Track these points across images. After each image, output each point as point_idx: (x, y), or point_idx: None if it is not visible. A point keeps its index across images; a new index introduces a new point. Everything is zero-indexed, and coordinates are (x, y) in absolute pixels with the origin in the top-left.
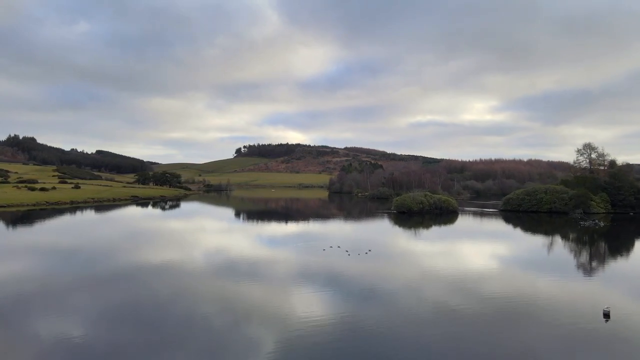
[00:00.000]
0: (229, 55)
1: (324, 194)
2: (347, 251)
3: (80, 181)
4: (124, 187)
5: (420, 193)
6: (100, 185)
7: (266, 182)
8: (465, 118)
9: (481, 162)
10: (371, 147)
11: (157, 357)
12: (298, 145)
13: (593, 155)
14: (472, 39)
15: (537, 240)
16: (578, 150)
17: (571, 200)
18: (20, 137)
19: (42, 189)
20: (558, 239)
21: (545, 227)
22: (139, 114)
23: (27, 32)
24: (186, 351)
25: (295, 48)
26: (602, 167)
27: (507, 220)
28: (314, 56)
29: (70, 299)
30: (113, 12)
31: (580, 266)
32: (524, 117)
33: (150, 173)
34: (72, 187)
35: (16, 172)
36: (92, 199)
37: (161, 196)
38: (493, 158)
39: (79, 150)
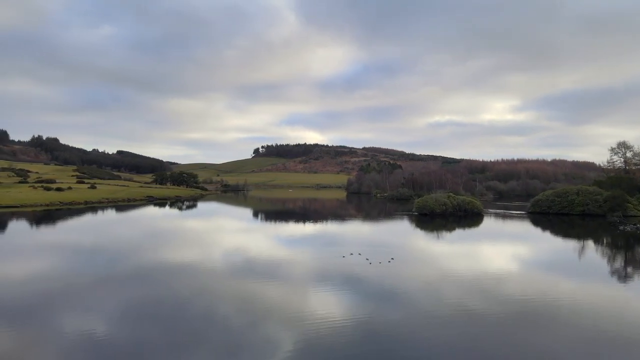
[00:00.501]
0: (247, 57)
1: (341, 194)
2: (367, 259)
3: (98, 181)
4: (141, 187)
5: (443, 194)
6: (117, 185)
7: (284, 182)
8: (484, 118)
9: (503, 162)
10: (389, 147)
11: (176, 355)
12: (316, 145)
13: (628, 154)
14: (491, 38)
15: (569, 245)
16: (612, 149)
17: (606, 202)
18: (44, 138)
19: (58, 189)
20: (591, 244)
21: (577, 231)
22: (159, 115)
23: (53, 36)
24: (205, 350)
25: (313, 49)
26: (638, 167)
27: (536, 223)
28: (331, 57)
29: (93, 297)
30: (136, 15)
31: (616, 272)
32: (546, 117)
33: (168, 173)
34: (88, 187)
35: (37, 172)
36: (107, 199)
37: (176, 196)
38: (515, 158)
39: (100, 151)
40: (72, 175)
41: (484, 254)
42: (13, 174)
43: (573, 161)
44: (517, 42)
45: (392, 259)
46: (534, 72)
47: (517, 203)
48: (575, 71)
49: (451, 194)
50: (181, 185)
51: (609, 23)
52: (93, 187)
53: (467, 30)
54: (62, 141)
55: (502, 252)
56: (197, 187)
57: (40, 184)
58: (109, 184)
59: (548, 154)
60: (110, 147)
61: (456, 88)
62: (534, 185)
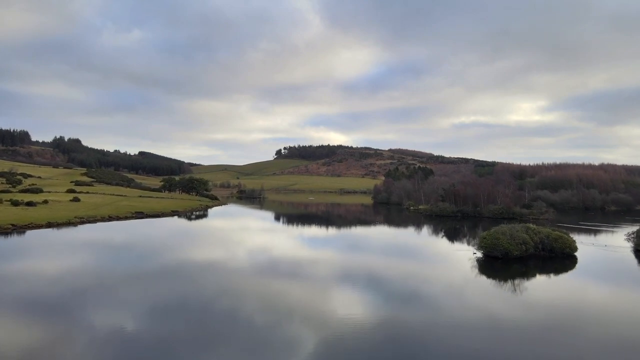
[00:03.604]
0: (272, 59)
1: (367, 200)
2: None
3: (101, 187)
4: (140, 197)
5: (520, 226)
6: (113, 195)
7: (305, 187)
8: (511, 119)
9: (545, 166)
10: (416, 149)
11: (202, 351)
12: (340, 146)
13: None
14: (519, 39)
15: None
16: None
17: None
18: (66, 139)
19: (29, 203)
20: None
21: None
22: (185, 116)
23: (87, 41)
24: (229, 347)
25: (337, 51)
26: None
27: None
28: (355, 58)
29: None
30: (165, 20)
31: None
32: (575, 118)
33: (177, 179)
34: (71, 200)
35: (39, 177)
36: (80, 218)
37: (173, 211)
38: (558, 161)
39: (121, 152)
40: (72, 182)
41: None
42: (4, 180)
43: (623, 165)
44: (545, 42)
45: None
46: (563, 72)
47: (594, 224)
48: (606, 71)
49: (530, 225)
50: (191, 192)
51: (638, 21)
52: (76, 199)
53: (494, 30)
54: (87, 142)
55: None
56: (207, 196)
57: (11, 197)
58: (104, 193)
59: (578, 155)
60: (136, 148)
61: (482, 88)
62: (592, 195)
